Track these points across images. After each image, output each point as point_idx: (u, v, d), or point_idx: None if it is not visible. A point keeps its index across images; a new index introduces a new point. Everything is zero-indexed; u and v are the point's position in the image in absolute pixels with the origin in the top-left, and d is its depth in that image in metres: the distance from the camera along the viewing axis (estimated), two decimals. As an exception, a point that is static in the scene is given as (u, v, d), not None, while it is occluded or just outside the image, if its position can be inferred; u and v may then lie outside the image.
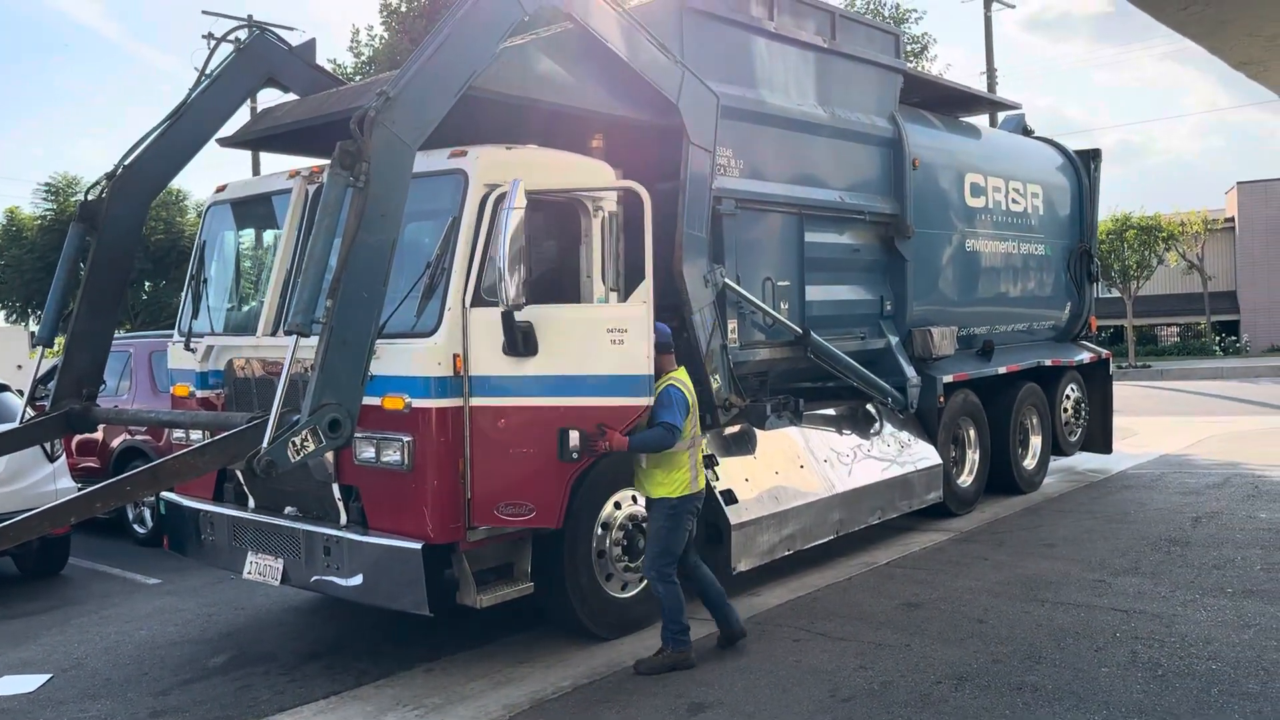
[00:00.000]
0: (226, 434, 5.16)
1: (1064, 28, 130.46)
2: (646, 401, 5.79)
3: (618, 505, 6.31)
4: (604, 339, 5.72)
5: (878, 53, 9.14)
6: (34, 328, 28.67)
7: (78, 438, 10.39)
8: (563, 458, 5.63)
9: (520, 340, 5.51)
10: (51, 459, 8.50)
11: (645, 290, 5.90)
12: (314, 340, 4.96)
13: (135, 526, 10.05)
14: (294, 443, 4.76)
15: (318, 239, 4.92)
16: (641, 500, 6.37)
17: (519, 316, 5.49)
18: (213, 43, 7.06)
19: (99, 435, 10.38)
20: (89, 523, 9.54)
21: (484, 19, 5.54)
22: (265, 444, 4.77)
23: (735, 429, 7.33)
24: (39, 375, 6.97)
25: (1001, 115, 13.05)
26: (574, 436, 5.61)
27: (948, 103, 10.91)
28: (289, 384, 4.97)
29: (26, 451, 8.27)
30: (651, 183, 6.88)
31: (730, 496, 6.98)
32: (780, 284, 7.94)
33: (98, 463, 10.38)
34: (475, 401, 5.59)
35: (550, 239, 6.20)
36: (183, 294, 7.25)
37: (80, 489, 8.82)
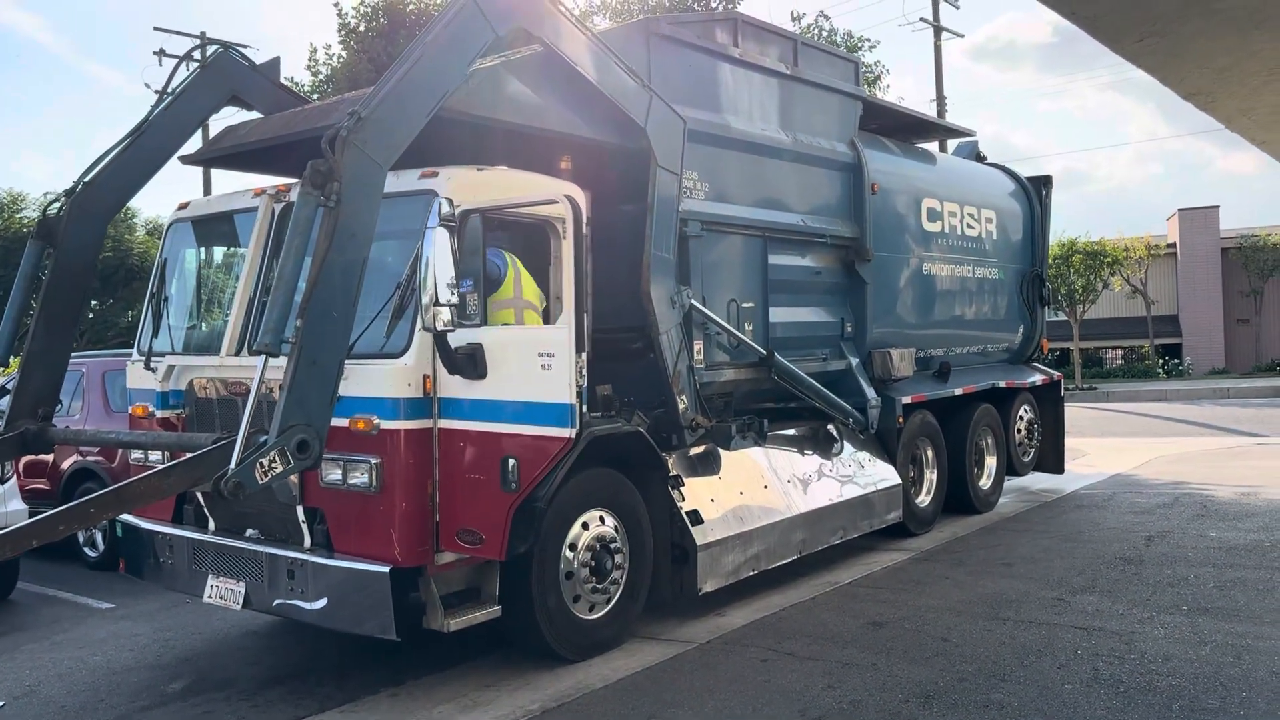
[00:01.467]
0: (192, 455, 5.09)
1: (1010, 56, 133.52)
2: (567, 433, 5.61)
3: (585, 526, 6.29)
4: (536, 363, 5.63)
5: (838, 80, 9.30)
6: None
7: (26, 458, 10.16)
8: (504, 487, 5.55)
9: (463, 362, 5.46)
10: (1, 481, 8.30)
11: (569, 313, 5.80)
12: (282, 360, 4.92)
13: (86, 550, 9.82)
14: (262, 464, 4.70)
15: (288, 259, 4.89)
16: (610, 521, 6.38)
17: (471, 339, 5.48)
18: (172, 61, 7.00)
19: (49, 456, 10.14)
20: (38, 547, 9.31)
21: (456, 41, 5.56)
22: (233, 465, 4.71)
23: (700, 449, 7.37)
24: None
25: (955, 142, 13.31)
26: (511, 464, 5.53)
27: (904, 129, 11.12)
28: (257, 406, 4.91)
29: (-26, 474, 8.11)
30: (617, 205, 6.97)
31: (696, 517, 7.00)
32: (745, 305, 8.02)
33: (47, 484, 10.14)
34: (444, 423, 5.57)
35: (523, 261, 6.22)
36: (142, 312, 7.14)
37: (30, 511, 8.64)
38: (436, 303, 5.18)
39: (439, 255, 5.23)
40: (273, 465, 4.73)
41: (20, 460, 9.96)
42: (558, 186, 6.43)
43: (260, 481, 4.71)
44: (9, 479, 8.43)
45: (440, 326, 5.24)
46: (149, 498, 5.15)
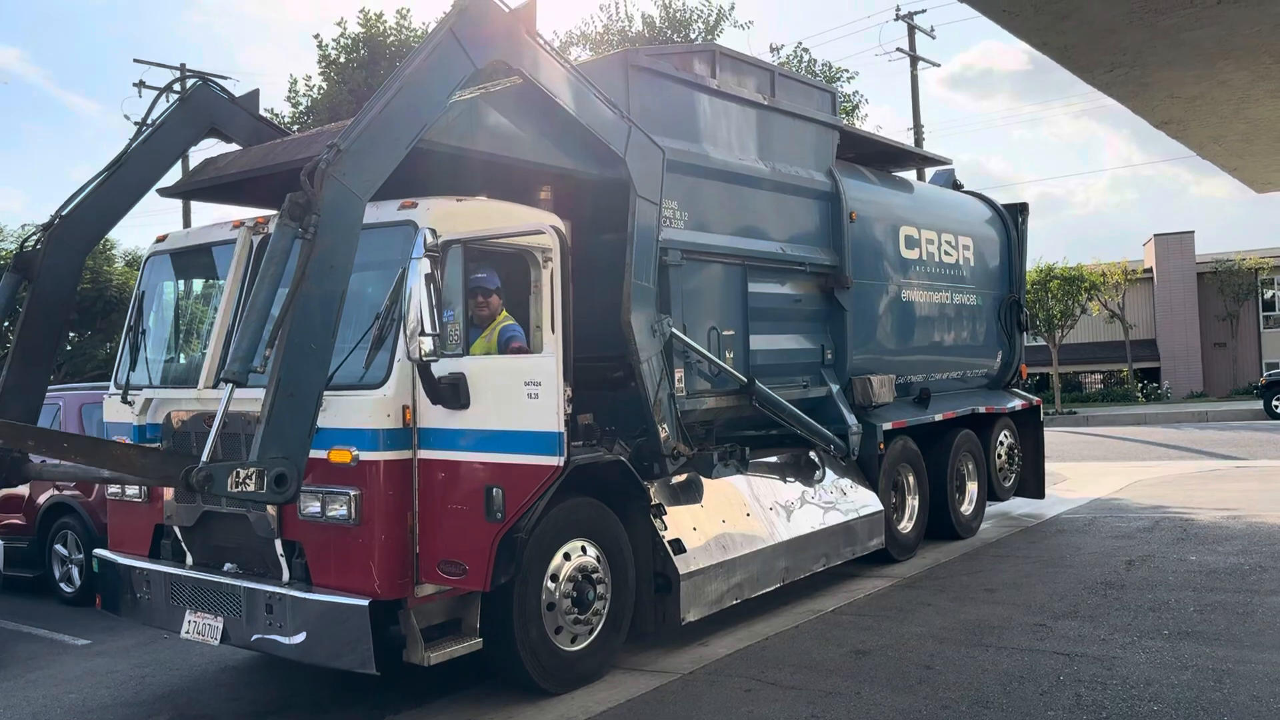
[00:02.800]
0: (170, 448, 5.01)
1: (986, 84, 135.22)
2: (556, 461, 5.49)
3: (567, 556, 6.26)
4: (522, 392, 5.54)
5: (815, 110, 9.39)
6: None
7: (1, 492, 10.05)
8: (489, 517, 5.50)
9: (447, 392, 5.47)
10: (-25, 516, 8.20)
11: (554, 341, 5.72)
12: (254, 391, 4.89)
13: (62, 585, 9.69)
14: (237, 473, 4.65)
15: (261, 288, 4.87)
16: (592, 550, 6.35)
17: (454, 368, 5.48)
18: (152, 93, 7.02)
19: (24, 491, 10.04)
20: (11, 582, 9.21)
21: (435, 73, 5.59)
22: (204, 458, 4.66)
23: (682, 478, 7.35)
24: None
25: (932, 170, 13.45)
26: (497, 494, 5.48)
27: (881, 158, 11.22)
28: (233, 439, 4.88)
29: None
30: (597, 234, 7.00)
31: (679, 546, 6.98)
32: (725, 333, 8.05)
33: (23, 519, 10.03)
34: (424, 454, 5.54)
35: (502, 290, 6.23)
36: (120, 345, 7.10)
37: (5, 547, 8.54)
38: (422, 332, 5.16)
39: (422, 286, 5.21)
40: (245, 481, 4.67)
41: (-5, 495, 9.87)
42: (538, 217, 6.45)
43: (229, 488, 4.63)
44: (-17, 514, 8.32)
45: (423, 356, 5.22)
46: (121, 466, 4.97)
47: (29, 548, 9.85)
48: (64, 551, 9.69)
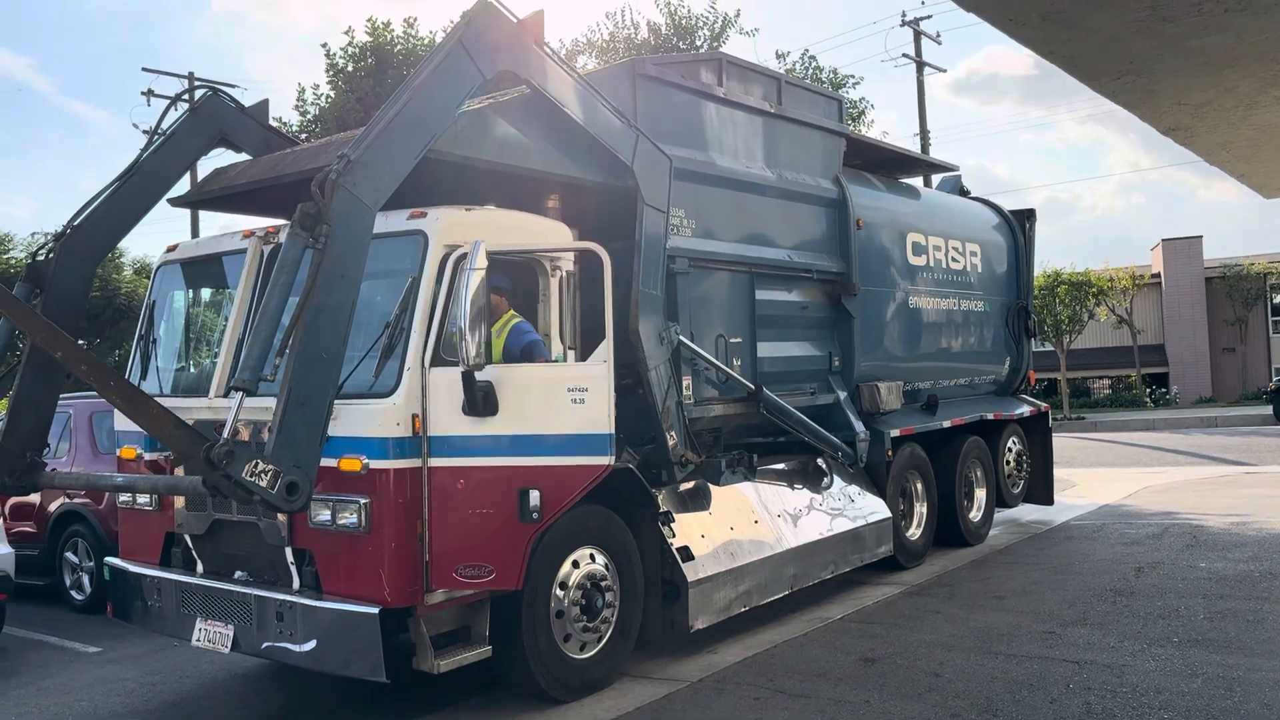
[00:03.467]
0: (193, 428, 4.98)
1: (992, 90, 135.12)
2: (607, 460, 5.83)
3: (575, 564, 6.28)
4: (565, 398, 5.77)
5: (821, 117, 9.41)
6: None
7: (12, 501, 10.10)
8: (523, 518, 5.63)
9: (480, 400, 5.53)
10: (-13, 524, 8.24)
11: (606, 349, 5.96)
12: (266, 400, 4.91)
13: (73, 593, 9.73)
14: (256, 463, 4.68)
15: (272, 297, 4.91)
16: (600, 558, 6.37)
17: (480, 376, 5.52)
18: (161, 102, 7.10)
19: (35, 499, 10.09)
20: (23, 590, 9.24)
21: (444, 83, 5.64)
22: (225, 435, 4.68)
23: (690, 485, 7.37)
24: None
25: (938, 177, 13.46)
26: (534, 496, 5.63)
27: (888, 165, 11.23)
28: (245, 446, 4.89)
29: (-39, 517, 8.05)
30: (604, 242, 7.01)
31: (686, 553, 6.99)
32: (732, 341, 8.06)
33: (34, 527, 10.07)
34: (434, 462, 5.57)
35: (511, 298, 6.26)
36: (131, 354, 7.13)
37: (16, 555, 8.58)
38: (466, 342, 5.27)
39: (477, 296, 5.31)
40: (260, 473, 4.69)
41: (6, 504, 9.91)
42: (545, 225, 6.49)
43: (244, 475, 4.64)
44: (-5, 522, 8.36)
45: (470, 365, 5.34)
46: (152, 426, 4.95)
47: (40, 556, 9.89)
48: (74, 559, 9.73)
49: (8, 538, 8.60)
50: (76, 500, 9.71)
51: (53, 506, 9.94)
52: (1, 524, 8.55)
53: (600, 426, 5.80)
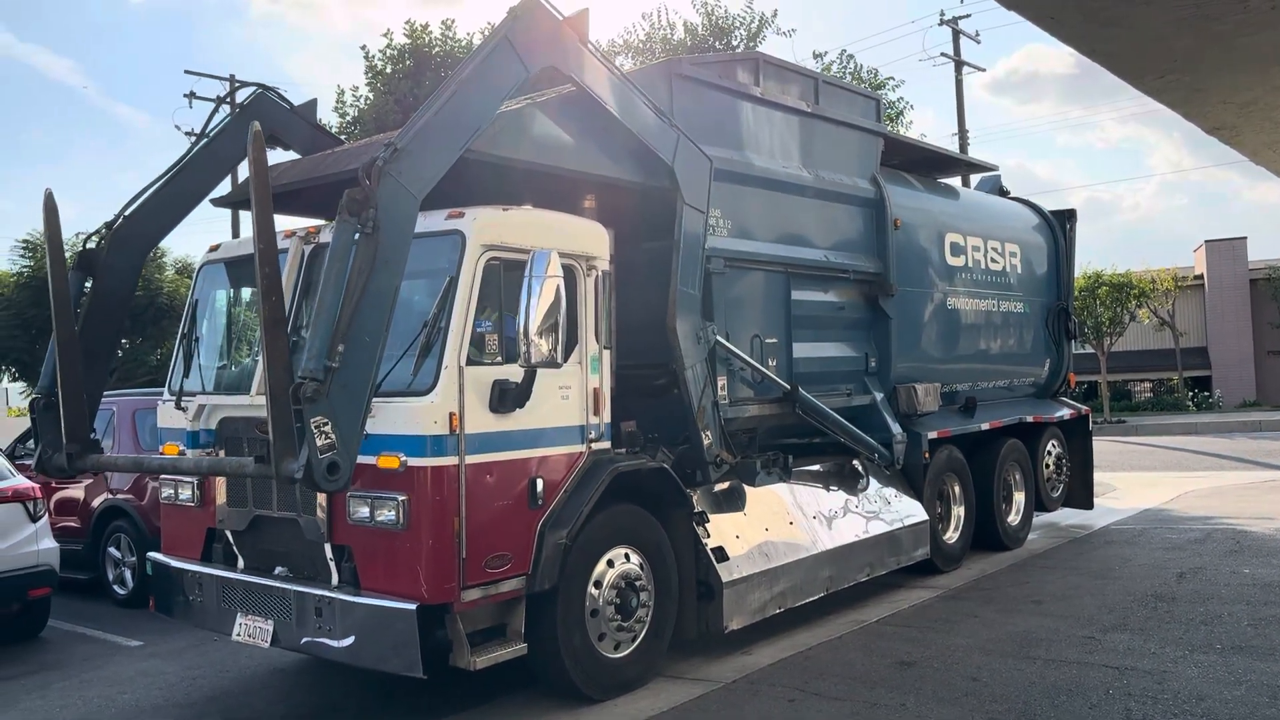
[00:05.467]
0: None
1: (1032, 89, 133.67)
2: (581, 449, 6.20)
3: (610, 563, 6.30)
4: (558, 395, 6.10)
5: (859, 116, 9.36)
6: (8, 385, 28.32)
7: (56, 496, 10.28)
8: (532, 505, 5.86)
9: (525, 395, 5.73)
10: (34, 519, 8.39)
11: (580, 351, 6.25)
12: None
13: (115, 587, 9.89)
14: (321, 418, 4.74)
15: (327, 287, 4.95)
16: (635, 558, 6.38)
17: (501, 375, 5.68)
18: (201, 103, 7.20)
19: (80, 494, 10.27)
20: (67, 584, 9.40)
21: (489, 77, 5.69)
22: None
23: (725, 485, 7.36)
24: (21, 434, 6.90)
25: (977, 176, 13.34)
26: (539, 484, 5.92)
27: (926, 165, 11.15)
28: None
29: (8, 512, 8.20)
30: (640, 242, 7.03)
31: (721, 554, 6.97)
32: (768, 341, 8.04)
33: (78, 522, 10.25)
34: (469, 459, 5.60)
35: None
36: (173, 352, 7.23)
37: (61, 549, 8.73)
38: (530, 340, 5.43)
39: (550, 296, 5.49)
40: (323, 426, 4.73)
41: (52, 499, 10.09)
42: (583, 225, 6.51)
43: (314, 423, 4.69)
44: (41, 517, 8.51)
45: (535, 362, 5.52)
46: (270, 356, 4.83)
47: (83, 551, 10.06)
48: (117, 554, 9.89)
49: (52, 533, 8.76)
50: (119, 496, 9.87)
51: (96, 502, 10.11)
52: (47, 519, 8.71)
53: (575, 420, 6.19)
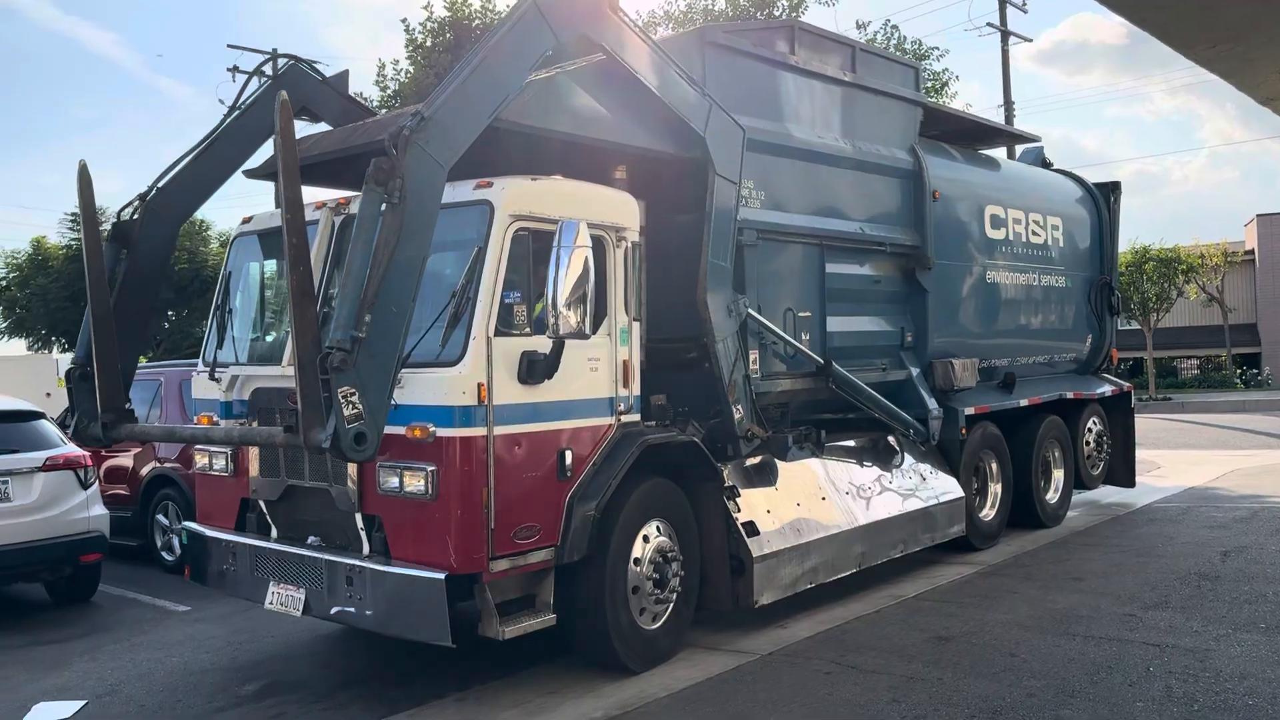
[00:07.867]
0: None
1: (1080, 59, 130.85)
2: (610, 421, 6.18)
3: (646, 539, 6.30)
4: (586, 366, 6.06)
5: (898, 85, 9.20)
6: (59, 356, 28.90)
7: (106, 464, 10.47)
8: (560, 477, 5.84)
9: (553, 366, 5.71)
10: (85, 486, 8.55)
11: (609, 323, 6.20)
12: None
13: (163, 554, 10.08)
14: (352, 390, 4.74)
15: (355, 256, 4.93)
16: (665, 530, 6.37)
17: (529, 346, 5.67)
18: (242, 75, 7.20)
19: (129, 463, 10.45)
20: (117, 550, 9.59)
21: (518, 45, 5.65)
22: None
23: (756, 460, 7.31)
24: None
25: (1020, 148, 13.08)
26: (568, 456, 5.90)
27: (967, 136, 10.95)
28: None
29: (61, 479, 8.36)
30: (671, 214, 6.96)
31: (752, 528, 6.93)
32: (801, 315, 7.95)
33: (127, 490, 10.45)
34: (497, 430, 5.60)
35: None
36: (207, 324, 7.30)
37: (111, 516, 8.90)
38: (559, 312, 5.41)
39: (579, 267, 5.44)
40: (349, 395, 4.73)
41: (102, 466, 10.28)
42: (613, 196, 6.45)
43: (339, 389, 4.69)
44: (92, 484, 8.68)
45: (565, 333, 5.50)
46: (297, 326, 4.86)
47: (132, 517, 10.27)
48: (165, 521, 10.09)
49: (103, 500, 8.93)
50: (167, 465, 10.03)
51: (144, 470, 10.29)
52: (97, 486, 8.87)
53: (604, 391, 6.15)
